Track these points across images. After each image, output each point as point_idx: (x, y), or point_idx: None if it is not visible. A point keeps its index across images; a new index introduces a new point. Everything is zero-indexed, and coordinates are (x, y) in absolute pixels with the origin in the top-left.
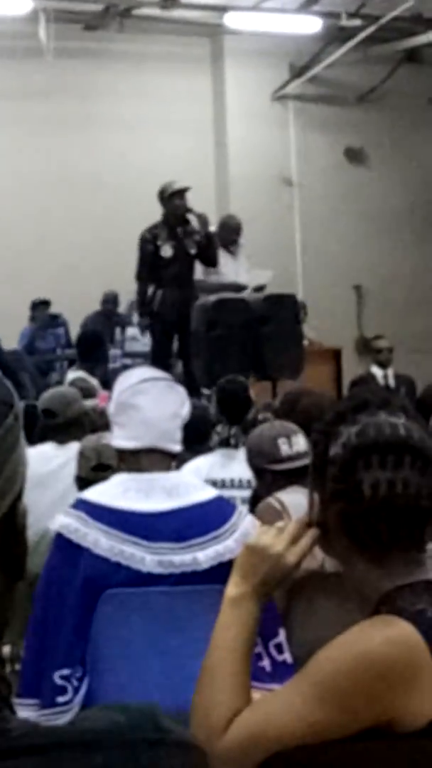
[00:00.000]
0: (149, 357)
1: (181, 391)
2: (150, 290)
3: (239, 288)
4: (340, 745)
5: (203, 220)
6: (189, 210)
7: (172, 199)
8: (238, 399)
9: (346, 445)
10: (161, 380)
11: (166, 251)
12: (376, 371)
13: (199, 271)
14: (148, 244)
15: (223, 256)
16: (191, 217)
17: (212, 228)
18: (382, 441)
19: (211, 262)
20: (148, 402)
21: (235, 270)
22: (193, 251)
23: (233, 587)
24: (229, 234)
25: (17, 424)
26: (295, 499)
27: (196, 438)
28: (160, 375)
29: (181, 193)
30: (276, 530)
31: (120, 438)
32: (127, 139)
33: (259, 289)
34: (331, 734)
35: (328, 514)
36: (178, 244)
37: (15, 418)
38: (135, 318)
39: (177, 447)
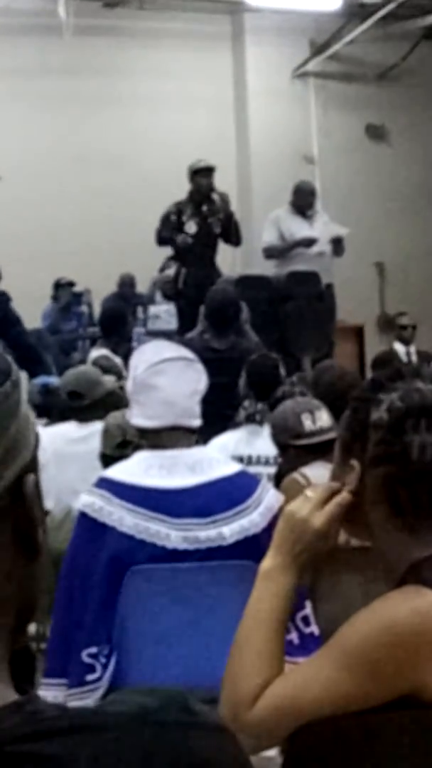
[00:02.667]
0: (172, 335)
1: (198, 368)
2: (173, 269)
3: (310, 242)
4: (366, 716)
5: (224, 198)
6: (212, 189)
7: (195, 177)
8: (267, 375)
9: (391, 409)
10: (178, 359)
11: (191, 227)
12: (399, 348)
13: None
14: (171, 214)
15: (298, 223)
16: (215, 197)
17: (233, 208)
18: (429, 405)
19: (234, 241)
20: (166, 381)
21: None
22: (217, 230)
23: (267, 560)
24: (304, 198)
25: (16, 391)
26: (320, 474)
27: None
28: (176, 353)
29: (204, 171)
30: (304, 497)
31: (140, 417)
32: (147, 117)
33: (336, 242)
34: (359, 704)
35: (367, 480)
36: (203, 222)
37: (13, 385)
38: (158, 296)
39: (197, 422)
